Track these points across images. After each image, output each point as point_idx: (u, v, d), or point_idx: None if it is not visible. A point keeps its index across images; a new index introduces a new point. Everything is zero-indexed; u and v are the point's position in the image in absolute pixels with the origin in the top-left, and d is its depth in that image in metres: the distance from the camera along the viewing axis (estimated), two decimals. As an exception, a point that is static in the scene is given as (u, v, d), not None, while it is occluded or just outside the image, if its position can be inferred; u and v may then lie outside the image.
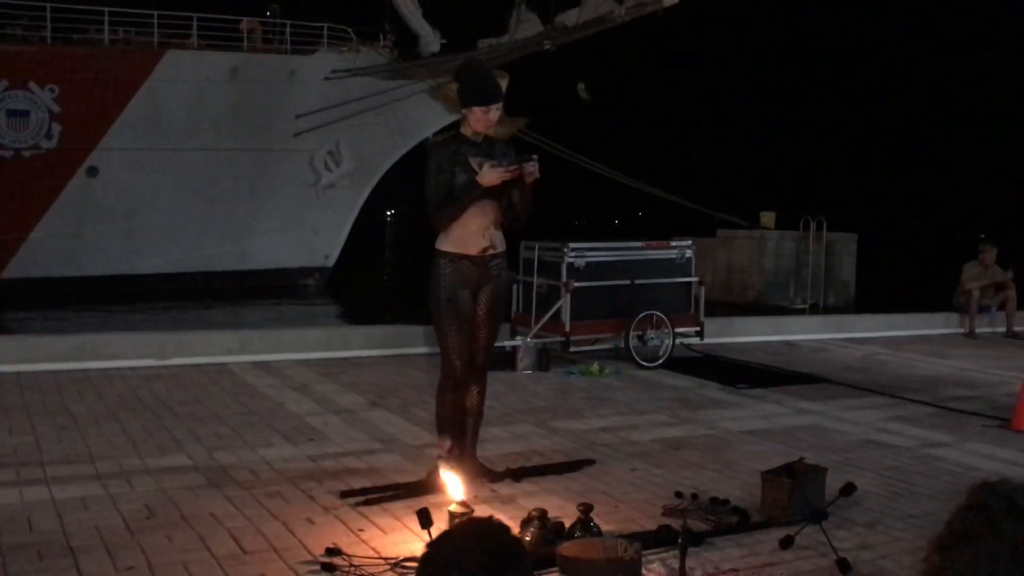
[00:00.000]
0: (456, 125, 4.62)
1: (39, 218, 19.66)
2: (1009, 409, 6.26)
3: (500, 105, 4.54)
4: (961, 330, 10.83)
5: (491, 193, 4.41)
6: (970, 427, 6.09)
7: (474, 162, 4.39)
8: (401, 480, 4.51)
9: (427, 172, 4.44)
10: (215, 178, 20.78)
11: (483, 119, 4.46)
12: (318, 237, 22.47)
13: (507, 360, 7.60)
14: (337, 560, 3.50)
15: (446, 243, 4.47)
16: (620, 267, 8.33)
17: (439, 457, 4.46)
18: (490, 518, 1.59)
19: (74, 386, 6.64)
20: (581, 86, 21.35)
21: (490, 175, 4.34)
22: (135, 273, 20.24)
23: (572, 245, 8.14)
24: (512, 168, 4.36)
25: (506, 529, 1.53)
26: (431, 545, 1.50)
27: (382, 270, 28.32)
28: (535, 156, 4.45)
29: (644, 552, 3.24)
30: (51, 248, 19.58)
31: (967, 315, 10.81)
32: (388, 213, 53.13)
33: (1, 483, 4.41)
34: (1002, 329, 10.86)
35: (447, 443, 4.51)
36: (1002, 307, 10.97)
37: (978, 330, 10.70)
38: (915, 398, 6.93)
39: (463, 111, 4.50)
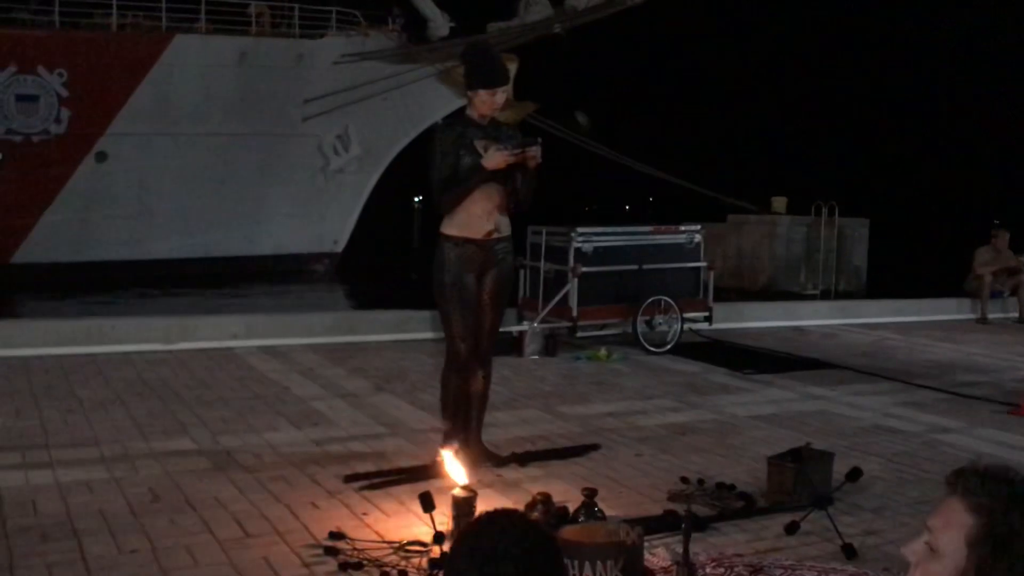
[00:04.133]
0: (464, 110, 4.57)
1: (48, 203, 19.71)
2: (1018, 394, 6.21)
3: (507, 88, 4.51)
4: (973, 315, 10.75)
5: (496, 177, 4.38)
6: (979, 412, 6.05)
7: (479, 145, 4.35)
8: (406, 464, 4.50)
9: (431, 155, 4.41)
10: (223, 163, 20.77)
11: (489, 102, 4.41)
12: (327, 222, 22.46)
13: (514, 345, 7.59)
14: (341, 544, 3.49)
15: (451, 227, 4.44)
16: (628, 252, 8.28)
17: (445, 443, 4.44)
18: (517, 512, 1.50)
19: (80, 370, 6.65)
20: (580, 115, 21.23)
21: (495, 158, 4.31)
22: (143, 258, 20.28)
23: (580, 230, 8.09)
24: (517, 152, 4.32)
25: (540, 526, 1.45)
26: (463, 538, 1.41)
27: (408, 257, 28.14)
28: (539, 139, 4.42)
29: (648, 537, 3.22)
30: (60, 233, 19.63)
31: (979, 300, 10.74)
32: (416, 200, 52.80)
33: (6, 466, 4.41)
34: (1014, 315, 10.78)
35: (451, 428, 4.50)
36: (1014, 292, 10.89)
37: (990, 315, 10.62)
38: (924, 383, 6.88)
39: (469, 94, 4.45)
